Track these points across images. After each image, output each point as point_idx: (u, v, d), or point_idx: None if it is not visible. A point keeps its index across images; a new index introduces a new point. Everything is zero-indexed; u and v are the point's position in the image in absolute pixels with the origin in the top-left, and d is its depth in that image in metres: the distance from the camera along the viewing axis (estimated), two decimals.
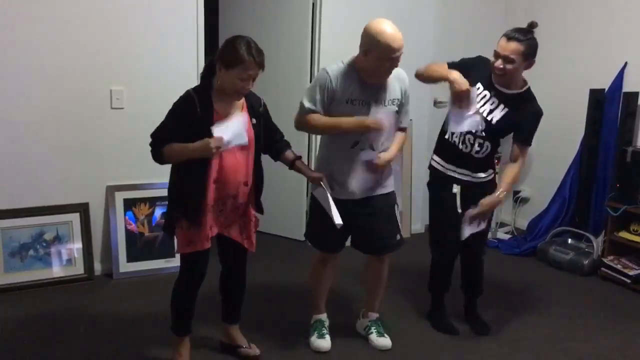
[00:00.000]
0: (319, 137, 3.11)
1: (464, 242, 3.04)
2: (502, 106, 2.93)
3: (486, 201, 2.95)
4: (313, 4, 4.28)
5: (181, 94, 2.50)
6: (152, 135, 2.49)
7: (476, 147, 2.99)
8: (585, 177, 4.51)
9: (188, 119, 2.41)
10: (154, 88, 3.74)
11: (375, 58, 2.60)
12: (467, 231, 2.98)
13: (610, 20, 4.48)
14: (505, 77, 2.89)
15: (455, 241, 3.05)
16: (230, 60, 2.35)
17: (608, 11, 4.49)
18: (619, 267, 4.01)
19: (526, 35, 2.81)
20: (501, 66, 2.84)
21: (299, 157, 2.78)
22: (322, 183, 2.72)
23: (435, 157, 3.13)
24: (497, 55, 2.85)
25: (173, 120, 2.46)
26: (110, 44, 3.61)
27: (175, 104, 2.48)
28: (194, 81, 3.72)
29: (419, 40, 4.59)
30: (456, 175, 3.03)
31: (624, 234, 4.07)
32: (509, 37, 2.81)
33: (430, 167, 3.17)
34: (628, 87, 4.29)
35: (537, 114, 2.98)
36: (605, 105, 4.38)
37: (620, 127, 4.25)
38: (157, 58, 3.76)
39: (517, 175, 3.02)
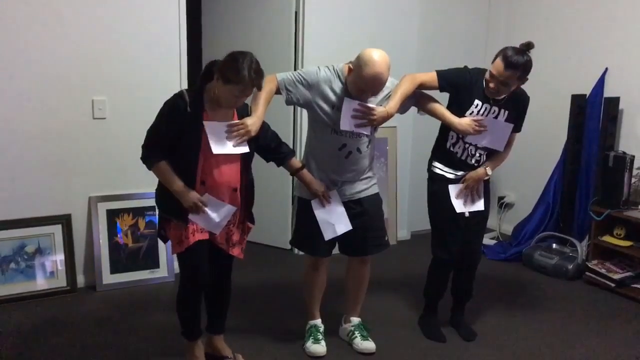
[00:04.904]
0: (304, 130, 3.19)
1: (464, 241, 3.11)
2: (502, 111, 2.99)
3: (470, 175, 3.04)
4: (296, 12, 4.29)
5: (164, 102, 2.50)
6: (144, 145, 2.50)
7: (476, 157, 3.05)
8: (569, 182, 4.54)
9: (178, 117, 2.41)
10: (137, 98, 3.71)
11: (359, 85, 2.66)
12: (460, 207, 3.05)
13: (591, 26, 4.52)
14: (499, 94, 2.93)
15: (458, 241, 3.10)
16: (229, 77, 2.35)
17: (589, 18, 4.54)
18: (603, 271, 4.03)
19: (524, 57, 2.80)
20: (496, 88, 2.87)
21: (303, 166, 2.83)
22: (321, 196, 2.84)
23: (436, 164, 3.13)
24: (492, 76, 2.86)
25: (163, 120, 2.46)
26: (92, 54, 3.58)
27: (165, 103, 2.48)
28: (176, 90, 3.67)
29: (402, 48, 4.62)
30: (457, 177, 3.07)
31: (607, 238, 4.10)
32: (506, 64, 2.78)
33: (431, 172, 3.16)
34: (609, 92, 4.33)
35: (527, 101, 3.08)
36: (587, 111, 4.42)
37: (602, 132, 4.28)
38: (139, 68, 3.73)
39: (504, 159, 3.16)
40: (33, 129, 3.50)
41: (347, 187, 2.89)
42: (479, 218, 3.15)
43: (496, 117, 2.99)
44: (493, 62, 2.86)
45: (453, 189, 3.06)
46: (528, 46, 2.83)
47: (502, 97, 2.96)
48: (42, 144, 3.54)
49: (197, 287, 2.65)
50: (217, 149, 2.46)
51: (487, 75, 2.90)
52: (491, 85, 2.87)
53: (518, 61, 2.78)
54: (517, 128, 3.08)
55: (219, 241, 2.64)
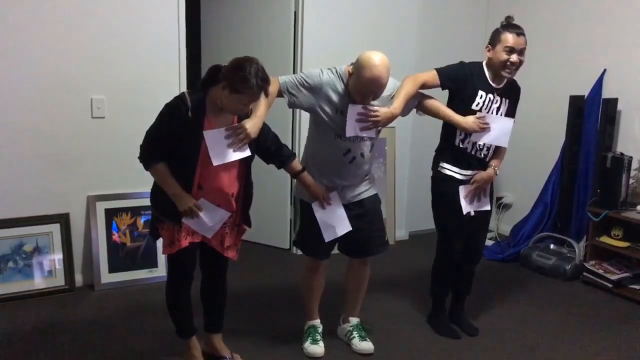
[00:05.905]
0: (303, 132, 3.12)
1: (468, 240, 3.15)
2: (504, 100, 3.05)
3: (481, 175, 3.08)
4: (295, 12, 4.29)
5: (163, 102, 2.48)
6: (143, 145, 2.48)
7: (484, 151, 3.08)
8: (567, 183, 4.55)
9: (179, 120, 2.39)
10: (136, 97, 3.71)
11: (359, 88, 2.64)
12: (467, 207, 3.07)
13: (589, 27, 4.53)
14: (516, 71, 2.99)
15: (461, 241, 3.14)
16: (237, 87, 2.32)
17: (587, 19, 4.55)
18: (600, 271, 4.04)
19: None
20: (517, 60, 2.94)
21: (304, 169, 2.80)
22: (321, 199, 2.83)
23: (445, 165, 3.10)
24: (512, 50, 2.91)
25: (164, 122, 2.43)
26: (91, 52, 3.58)
27: (167, 105, 2.45)
28: (175, 90, 3.73)
29: (401, 47, 4.63)
30: (466, 178, 3.08)
31: (605, 239, 4.11)
32: (517, 32, 2.92)
33: (438, 172, 3.13)
34: (607, 93, 4.34)
35: (520, 91, 3.18)
36: (585, 112, 4.43)
37: (600, 133, 4.29)
38: (138, 67, 3.73)
39: (505, 151, 3.18)
40: (31, 127, 3.49)
41: (349, 190, 2.89)
42: (483, 217, 3.19)
43: (499, 107, 3.03)
44: (495, 43, 2.95)
45: (462, 190, 3.07)
46: (509, 19, 2.99)
47: (503, 84, 3.01)
48: (41, 142, 3.53)
49: (182, 286, 2.65)
50: (217, 160, 2.44)
51: (501, 57, 2.93)
52: (512, 59, 2.92)
53: (520, 27, 2.93)
54: (514, 117, 3.13)
55: (213, 244, 2.64)
